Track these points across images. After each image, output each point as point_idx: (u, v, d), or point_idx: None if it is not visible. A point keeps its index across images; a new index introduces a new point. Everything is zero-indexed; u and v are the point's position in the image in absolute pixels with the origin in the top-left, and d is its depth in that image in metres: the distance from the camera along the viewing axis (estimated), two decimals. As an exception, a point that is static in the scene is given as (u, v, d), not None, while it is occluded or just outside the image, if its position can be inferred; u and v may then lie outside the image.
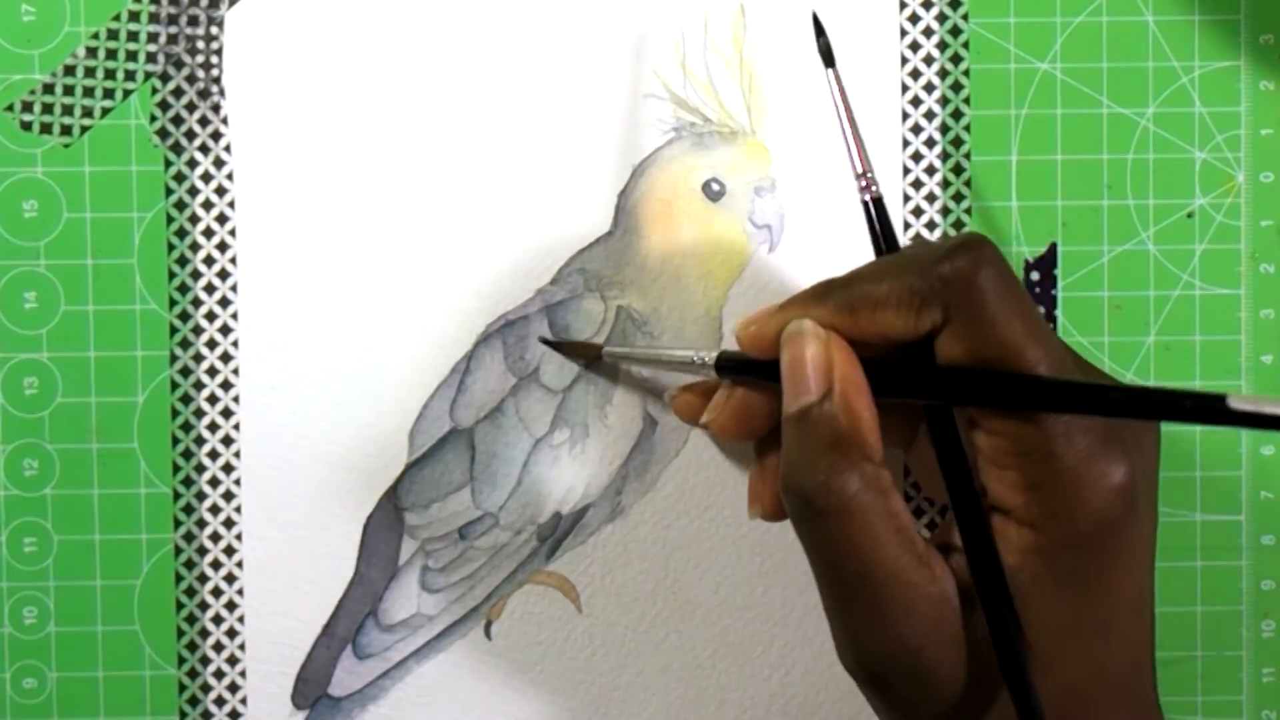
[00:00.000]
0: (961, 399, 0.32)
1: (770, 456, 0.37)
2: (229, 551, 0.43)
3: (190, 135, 0.43)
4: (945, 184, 0.43)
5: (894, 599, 0.32)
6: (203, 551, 0.43)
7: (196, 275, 0.43)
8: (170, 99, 0.43)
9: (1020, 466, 0.31)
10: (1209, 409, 0.28)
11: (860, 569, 0.32)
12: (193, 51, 0.43)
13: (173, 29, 0.43)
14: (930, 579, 0.32)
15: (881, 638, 0.32)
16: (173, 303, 0.43)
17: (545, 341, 0.42)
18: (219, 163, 0.43)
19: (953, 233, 0.43)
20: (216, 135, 0.43)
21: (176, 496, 0.43)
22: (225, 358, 0.43)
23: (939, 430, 0.33)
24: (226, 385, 0.43)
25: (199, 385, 0.43)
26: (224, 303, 0.43)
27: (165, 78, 0.43)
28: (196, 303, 0.43)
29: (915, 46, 0.43)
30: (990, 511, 0.32)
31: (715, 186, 0.43)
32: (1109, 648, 0.32)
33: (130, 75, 0.43)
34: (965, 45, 0.43)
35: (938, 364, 0.32)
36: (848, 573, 0.32)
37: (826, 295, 0.34)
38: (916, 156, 0.43)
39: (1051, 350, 0.31)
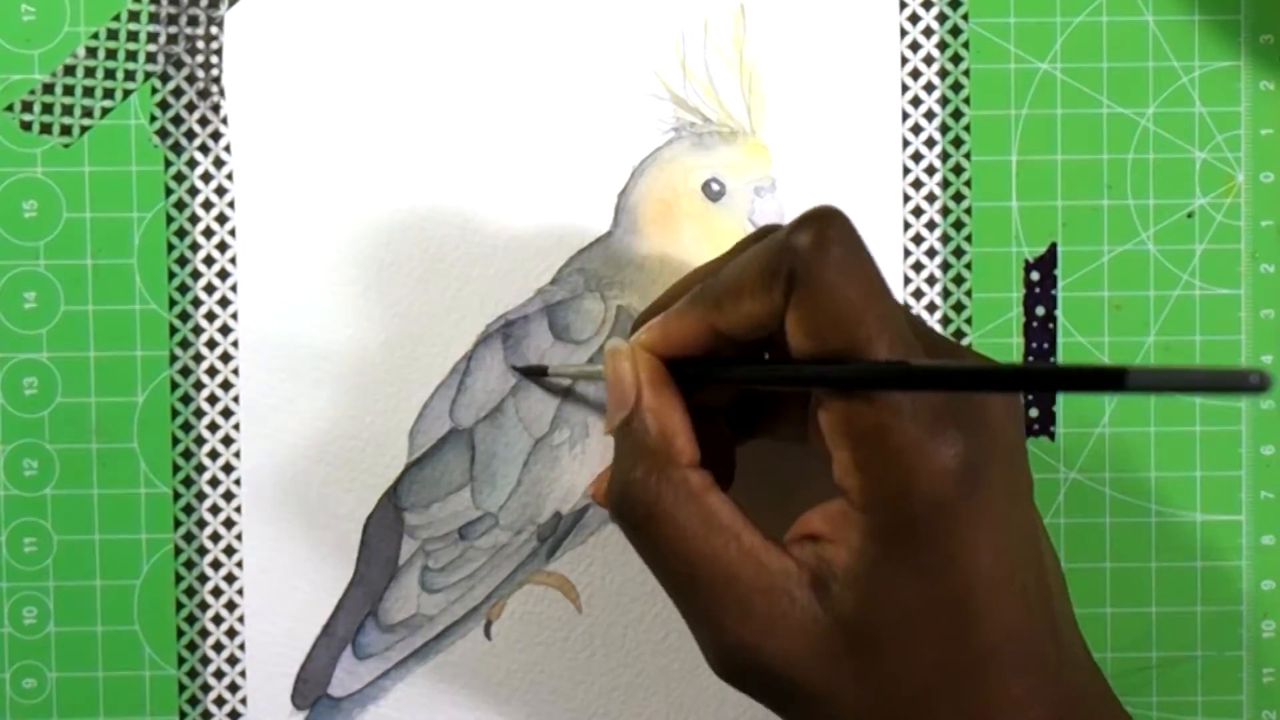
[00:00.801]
0: (794, 381, 0.32)
1: None
2: (229, 551, 0.43)
3: (190, 135, 0.43)
4: (945, 184, 0.43)
5: (724, 597, 0.32)
6: (203, 551, 0.43)
7: (196, 275, 0.43)
8: (170, 99, 0.43)
9: (852, 447, 0.31)
10: (1107, 379, 0.27)
11: (685, 571, 0.32)
12: (193, 51, 0.43)
13: (173, 29, 0.43)
14: (759, 572, 0.31)
15: (722, 638, 0.32)
16: (173, 303, 0.43)
17: (519, 370, 0.43)
18: (219, 163, 0.43)
19: (953, 234, 0.43)
20: (216, 135, 0.43)
21: (176, 496, 0.43)
22: (225, 358, 0.43)
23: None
24: (226, 385, 0.43)
25: (199, 385, 0.43)
26: (224, 303, 0.43)
27: (165, 78, 0.43)
28: (196, 303, 0.43)
29: (915, 46, 0.43)
30: (835, 496, 0.32)
31: (715, 186, 0.43)
32: (972, 625, 0.30)
33: (130, 75, 0.43)
34: (965, 45, 0.43)
35: (769, 349, 0.32)
36: (676, 577, 0.33)
37: (699, 294, 0.34)
38: (916, 156, 0.43)
39: (891, 321, 0.31)
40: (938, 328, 0.43)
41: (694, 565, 0.32)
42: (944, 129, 0.43)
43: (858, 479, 0.31)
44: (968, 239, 0.43)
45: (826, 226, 0.31)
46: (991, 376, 0.30)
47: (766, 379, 0.34)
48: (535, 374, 0.42)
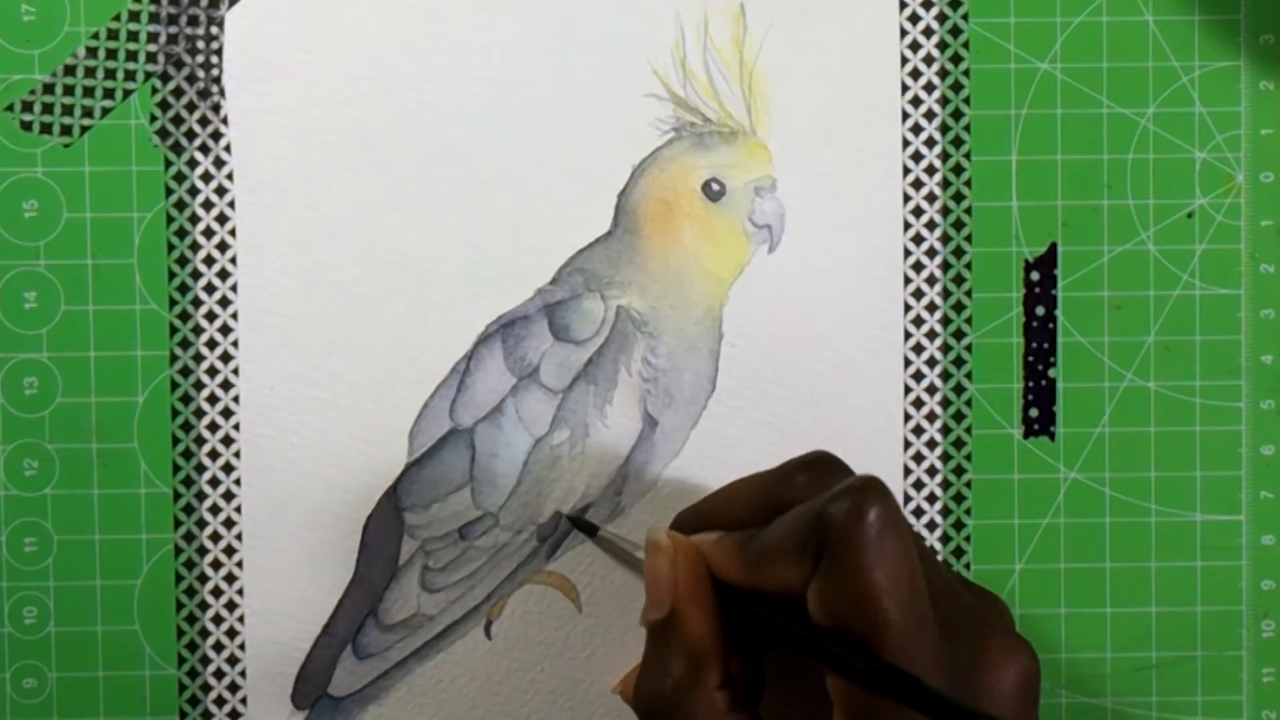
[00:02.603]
0: (812, 652, 0.32)
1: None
2: (229, 551, 0.43)
3: (190, 135, 0.43)
4: (945, 184, 0.43)
5: None
6: (203, 551, 0.43)
7: (196, 275, 0.43)
8: (170, 99, 0.43)
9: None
10: None
11: None
12: (193, 51, 0.43)
13: (173, 29, 0.43)
14: None
15: None
16: (173, 303, 0.43)
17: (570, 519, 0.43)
18: (219, 163, 0.43)
19: (953, 234, 0.43)
20: (216, 135, 0.43)
21: (176, 496, 0.43)
22: (225, 358, 0.43)
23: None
24: (226, 385, 0.43)
25: (199, 385, 0.43)
26: (224, 303, 0.43)
27: (165, 78, 0.43)
28: (196, 303, 0.43)
29: (915, 46, 0.43)
30: None
31: (715, 186, 0.43)
32: None
33: (130, 75, 0.43)
34: (965, 45, 0.43)
35: (805, 615, 0.32)
36: None
37: (741, 548, 0.34)
38: (916, 156, 0.43)
39: (910, 609, 0.31)
40: (938, 328, 0.43)
41: None
42: (944, 129, 0.43)
43: None
44: (968, 239, 0.43)
45: (863, 501, 0.31)
46: None
47: (792, 637, 0.33)
48: (585, 529, 0.42)
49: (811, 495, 0.32)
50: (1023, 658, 0.33)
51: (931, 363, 0.43)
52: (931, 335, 0.43)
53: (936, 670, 0.30)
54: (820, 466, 0.36)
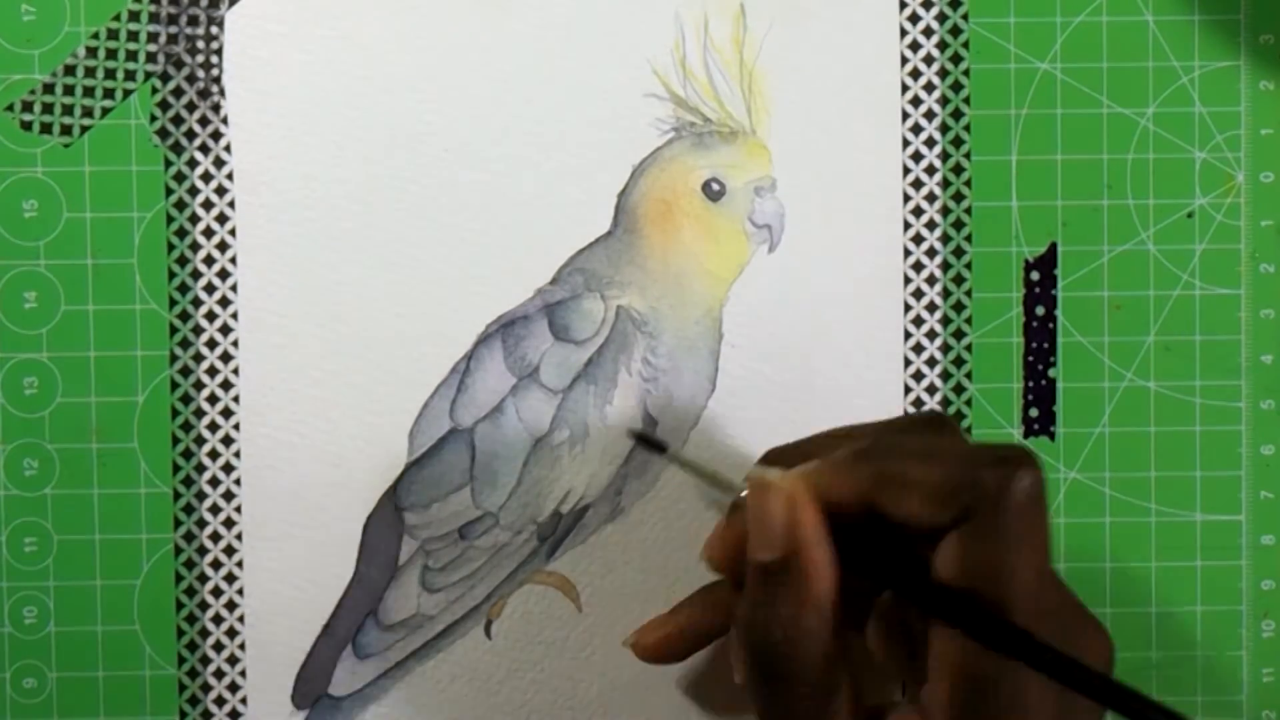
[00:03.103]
0: (939, 610, 0.32)
1: (740, 520, 0.36)
2: (229, 551, 0.43)
3: (190, 135, 0.43)
4: (945, 184, 0.43)
5: None
6: (203, 551, 0.43)
7: (196, 275, 0.43)
8: (170, 99, 0.43)
9: (953, 685, 0.31)
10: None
11: None
12: (193, 51, 0.43)
13: (173, 29, 0.43)
14: None
15: None
16: (173, 302, 0.43)
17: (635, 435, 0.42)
18: (219, 162, 0.43)
19: (953, 234, 0.43)
20: (216, 135, 0.43)
21: (176, 496, 0.43)
22: (225, 358, 0.43)
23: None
24: (226, 385, 0.43)
25: (199, 385, 0.43)
26: (224, 303, 0.43)
27: (165, 78, 0.43)
28: (196, 303, 0.43)
29: (915, 46, 0.43)
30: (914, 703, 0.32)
31: (715, 186, 0.43)
32: None
33: (130, 75, 0.43)
34: (965, 45, 0.43)
35: (926, 571, 0.32)
36: None
37: (860, 463, 0.33)
38: (916, 156, 0.43)
39: (1043, 589, 0.31)
40: (938, 328, 0.43)
41: None
42: (944, 129, 0.43)
43: (946, 715, 0.31)
44: (968, 239, 0.43)
45: (1018, 474, 0.31)
46: (1112, 692, 0.30)
47: (908, 588, 0.33)
48: (654, 447, 0.41)
49: (943, 448, 0.32)
50: (1106, 640, 0.33)
51: (931, 363, 0.43)
52: (931, 335, 0.43)
53: (1052, 641, 0.31)
54: (931, 416, 0.36)
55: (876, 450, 0.33)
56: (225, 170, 0.43)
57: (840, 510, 0.33)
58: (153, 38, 0.43)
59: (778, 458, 0.36)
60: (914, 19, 0.43)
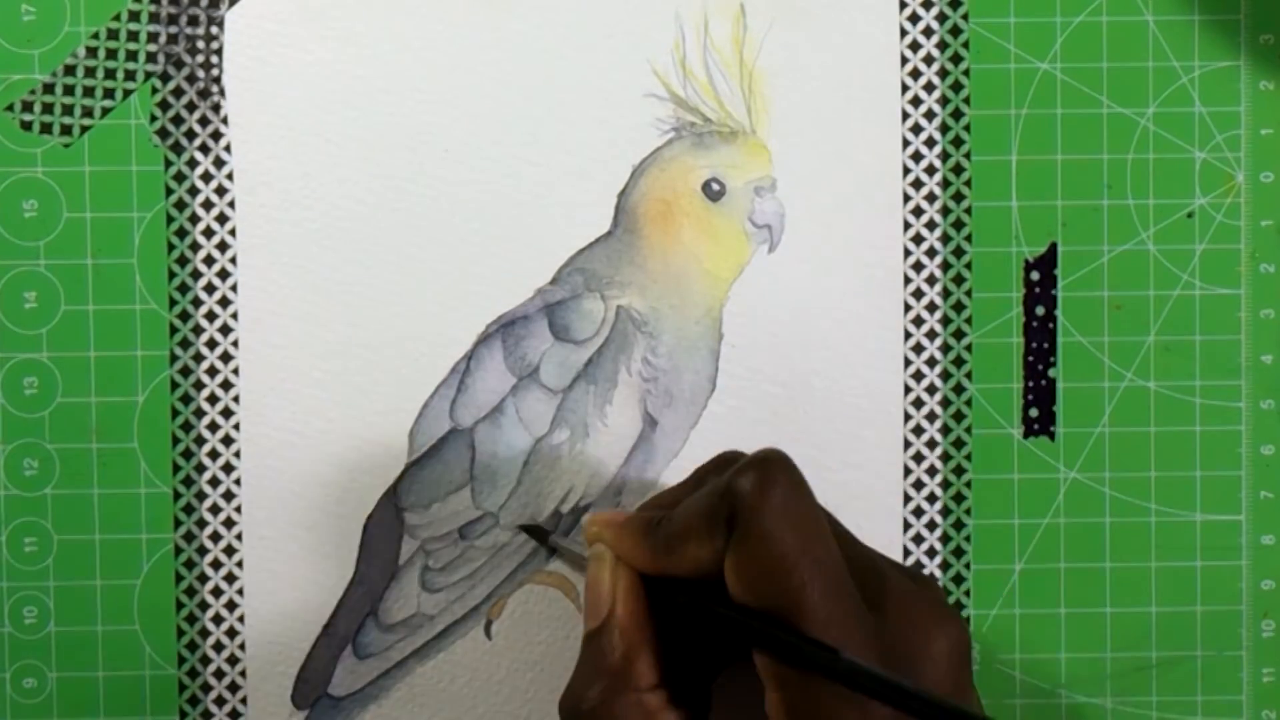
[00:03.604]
0: (736, 629, 0.32)
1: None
2: (229, 551, 0.43)
3: (190, 135, 0.43)
4: (945, 184, 0.43)
5: None
6: (203, 551, 0.43)
7: (196, 275, 0.43)
8: (170, 99, 0.43)
9: (783, 712, 0.31)
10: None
11: None
12: (193, 51, 0.43)
13: (173, 29, 0.43)
14: None
15: None
16: (173, 302, 0.43)
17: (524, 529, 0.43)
18: (219, 162, 0.43)
19: (953, 234, 0.43)
20: (216, 135, 0.43)
21: (176, 496, 0.43)
22: (225, 357, 0.43)
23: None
24: (227, 385, 0.43)
25: (199, 385, 0.43)
26: (224, 302, 0.43)
27: (165, 78, 0.43)
28: (196, 302, 0.43)
29: (915, 46, 0.43)
30: None
31: (715, 186, 0.43)
32: None
33: (130, 75, 0.43)
34: (965, 45, 0.43)
35: (726, 594, 0.32)
36: None
37: (652, 532, 0.34)
38: (916, 156, 0.43)
39: (824, 569, 0.31)
40: (938, 328, 0.43)
41: None
42: (944, 129, 0.43)
43: None
44: (968, 239, 0.43)
45: (769, 471, 0.31)
46: (914, 702, 0.30)
47: (715, 619, 0.33)
48: (537, 536, 0.42)
49: (755, 499, 0.32)
50: (952, 628, 0.33)
51: (931, 363, 0.43)
52: (931, 335, 0.43)
53: (864, 640, 0.30)
54: (724, 457, 0.36)
55: (659, 526, 0.34)
56: (225, 170, 0.43)
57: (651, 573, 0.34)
58: (153, 38, 0.43)
59: (597, 522, 0.37)
60: (914, 19, 0.43)
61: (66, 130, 0.43)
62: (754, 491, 0.31)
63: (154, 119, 0.43)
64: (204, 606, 0.43)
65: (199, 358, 0.43)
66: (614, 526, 0.35)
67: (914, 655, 0.31)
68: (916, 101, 0.43)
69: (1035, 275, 0.44)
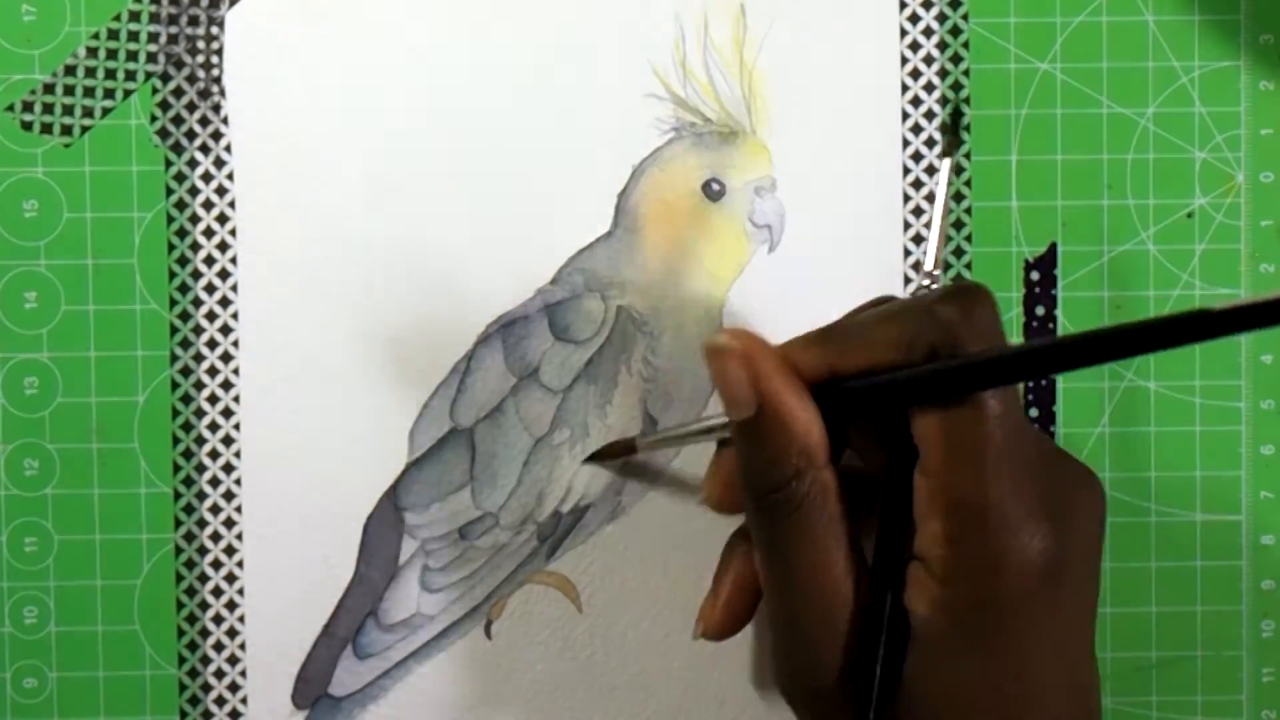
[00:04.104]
0: (908, 389, 0.32)
1: (727, 454, 0.37)
2: (229, 551, 0.43)
3: (191, 135, 0.43)
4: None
5: (823, 612, 0.32)
6: (203, 551, 0.43)
7: (197, 275, 0.43)
8: (170, 99, 0.43)
9: (945, 520, 0.31)
10: (1193, 322, 0.27)
11: (801, 573, 0.32)
12: (193, 51, 0.43)
13: (173, 29, 0.43)
14: (852, 600, 0.32)
15: (802, 652, 0.32)
16: (173, 302, 0.43)
17: (589, 459, 0.42)
18: (219, 163, 0.43)
19: (953, 234, 0.43)
20: (217, 135, 0.43)
21: (177, 496, 0.43)
22: (226, 357, 0.43)
23: (892, 473, 0.33)
24: (227, 385, 0.43)
25: (199, 385, 0.43)
26: (224, 302, 0.43)
27: (165, 78, 0.43)
28: (197, 302, 0.43)
29: (915, 46, 0.43)
30: (910, 560, 0.32)
31: (715, 186, 0.43)
32: (1021, 714, 0.31)
33: (130, 75, 0.43)
34: (965, 45, 0.43)
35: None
36: (790, 575, 0.33)
37: (823, 340, 0.34)
38: (916, 156, 0.43)
39: (1022, 420, 0.31)
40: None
41: (811, 570, 0.32)
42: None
43: (944, 552, 0.31)
44: (968, 239, 0.43)
45: (974, 304, 0.31)
46: (1086, 344, 0.30)
47: (878, 397, 0.33)
48: (612, 453, 0.42)
49: (963, 328, 0.32)
50: (1096, 487, 0.33)
51: (931, 363, 0.43)
52: (931, 335, 0.43)
53: (1033, 467, 0.31)
54: (883, 299, 0.36)
55: (835, 329, 0.34)
56: (226, 170, 0.43)
57: (808, 378, 0.34)
58: (153, 38, 0.43)
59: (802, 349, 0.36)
60: (914, 19, 0.43)
61: (67, 130, 0.43)
62: (960, 321, 0.31)
63: (154, 119, 0.43)
64: (204, 606, 0.43)
65: (199, 358, 0.43)
66: (755, 339, 0.34)
67: (1061, 510, 0.31)
68: (916, 101, 0.43)
69: (1035, 275, 0.44)
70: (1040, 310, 0.43)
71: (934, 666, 0.31)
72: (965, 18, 0.43)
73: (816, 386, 0.34)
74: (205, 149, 0.43)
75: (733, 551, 0.39)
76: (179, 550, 0.43)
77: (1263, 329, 0.27)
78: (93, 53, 0.43)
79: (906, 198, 0.43)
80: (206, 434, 0.43)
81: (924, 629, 0.31)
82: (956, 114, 0.37)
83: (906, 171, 0.43)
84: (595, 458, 0.42)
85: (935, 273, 0.36)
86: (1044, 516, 0.31)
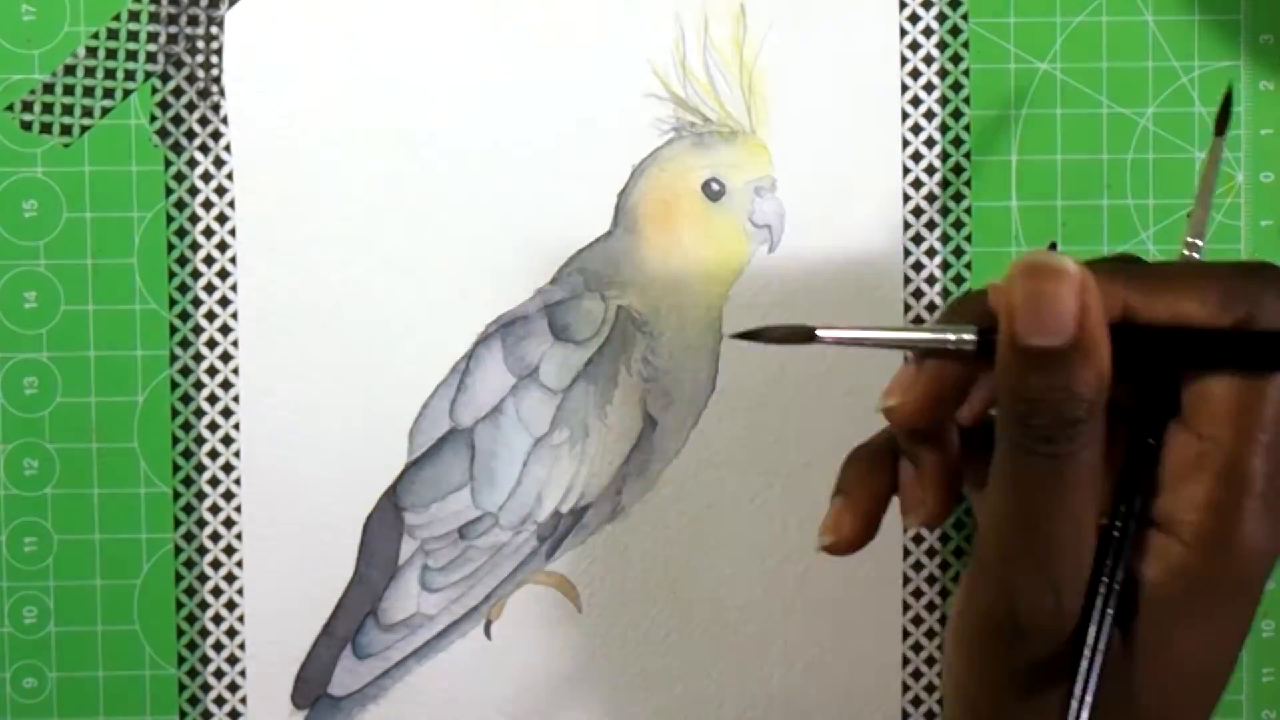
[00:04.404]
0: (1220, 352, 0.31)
1: (935, 454, 0.35)
2: (229, 551, 0.43)
3: (190, 135, 0.43)
4: (945, 184, 0.43)
5: (1066, 554, 0.31)
6: (203, 551, 0.43)
7: (196, 275, 0.43)
8: (170, 99, 0.43)
9: (1210, 484, 0.30)
10: None
11: (1061, 512, 0.31)
12: (193, 51, 0.43)
13: (173, 29, 0.43)
14: (1092, 551, 0.31)
15: (1030, 591, 0.31)
16: (173, 302, 0.43)
17: (741, 336, 0.36)
18: (219, 162, 0.43)
19: (953, 234, 0.43)
20: (216, 135, 0.43)
21: (176, 496, 0.43)
22: (225, 357, 0.43)
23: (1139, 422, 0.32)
24: (226, 385, 0.43)
25: (199, 385, 0.43)
26: (224, 302, 0.43)
27: (165, 77, 0.43)
28: (196, 302, 0.43)
29: (915, 46, 0.43)
30: (1149, 525, 0.31)
31: (715, 186, 0.43)
32: (1220, 691, 0.31)
33: (130, 75, 0.43)
34: (965, 45, 0.43)
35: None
36: (1053, 512, 0.31)
37: (1126, 277, 0.32)
38: (916, 156, 0.43)
39: None
40: (938, 328, 0.43)
41: (1070, 512, 0.31)
42: (944, 129, 0.43)
43: (1200, 515, 0.30)
44: (968, 239, 0.43)
45: None
46: None
47: (1196, 345, 0.32)
48: (796, 338, 0.36)
49: (1275, 303, 0.31)
50: None
51: (931, 363, 0.43)
52: (931, 335, 0.43)
53: None
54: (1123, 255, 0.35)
55: (1138, 268, 0.33)
56: (225, 170, 0.43)
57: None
58: (153, 38, 0.43)
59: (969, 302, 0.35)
60: (914, 19, 0.43)
61: (66, 130, 0.43)
62: (1277, 295, 0.30)
63: (154, 119, 0.43)
64: (204, 606, 0.43)
65: (199, 358, 0.43)
66: (1086, 270, 0.32)
67: None
68: (916, 101, 0.43)
69: (1035, 275, 0.43)
70: (1040, 310, 0.43)
71: (1165, 634, 0.31)
72: (965, 18, 0.43)
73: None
74: (205, 149, 0.43)
75: (863, 463, 0.36)
76: (178, 550, 0.43)
77: None
78: (93, 53, 0.43)
79: (906, 198, 0.43)
80: (206, 434, 0.43)
81: (1153, 593, 0.31)
82: (1228, 96, 0.37)
83: (906, 171, 0.43)
84: (758, 337, 0.34)
85: (1198, 242, 0.36)
86: None
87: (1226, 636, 0.31)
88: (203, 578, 0.43)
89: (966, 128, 0.43)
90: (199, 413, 0.43)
